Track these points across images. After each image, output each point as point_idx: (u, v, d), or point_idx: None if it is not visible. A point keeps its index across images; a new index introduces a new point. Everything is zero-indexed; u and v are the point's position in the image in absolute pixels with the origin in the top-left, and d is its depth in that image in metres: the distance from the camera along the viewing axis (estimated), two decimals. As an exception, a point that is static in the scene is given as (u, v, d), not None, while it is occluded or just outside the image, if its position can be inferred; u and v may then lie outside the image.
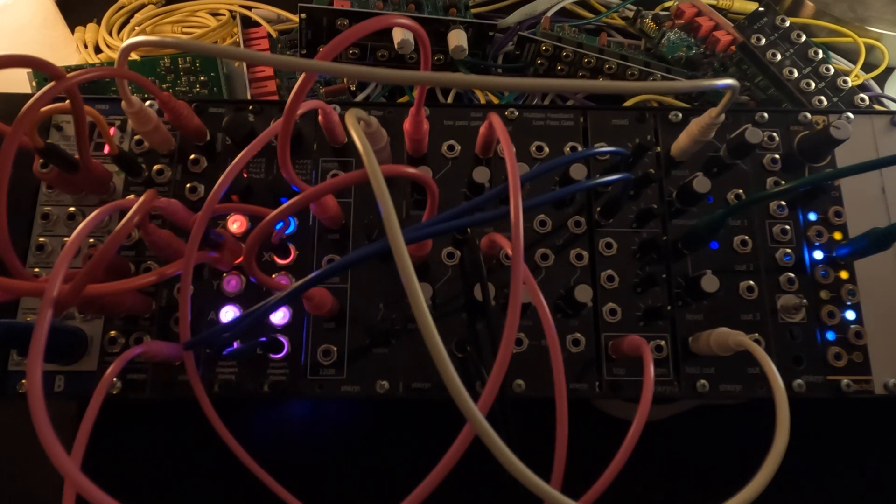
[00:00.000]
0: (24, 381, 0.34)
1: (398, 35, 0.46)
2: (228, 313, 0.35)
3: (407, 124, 0.35)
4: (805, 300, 0.36)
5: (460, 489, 0.23)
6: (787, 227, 0.37)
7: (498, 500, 0.29)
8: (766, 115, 0.40)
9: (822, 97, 0.48)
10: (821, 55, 0.49)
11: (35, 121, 0.30)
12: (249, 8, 0.57)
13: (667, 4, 0.57)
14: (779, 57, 0.49)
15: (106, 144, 0.37)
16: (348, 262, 0.25)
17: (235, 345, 0.34)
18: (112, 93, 0.48)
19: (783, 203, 0.38)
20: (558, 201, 0.38)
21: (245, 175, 0.38)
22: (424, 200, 0.34)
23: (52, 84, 0.26)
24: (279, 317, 0.35)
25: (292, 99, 0.25)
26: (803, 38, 0.50)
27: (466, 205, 0.27)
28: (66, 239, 0.36)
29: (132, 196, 0.37)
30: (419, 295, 0.19)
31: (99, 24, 0.57)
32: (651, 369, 0.28)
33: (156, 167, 0.37)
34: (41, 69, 0.26)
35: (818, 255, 0.37)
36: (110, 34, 0.57)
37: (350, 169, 0.38)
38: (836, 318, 0.36)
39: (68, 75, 0.27)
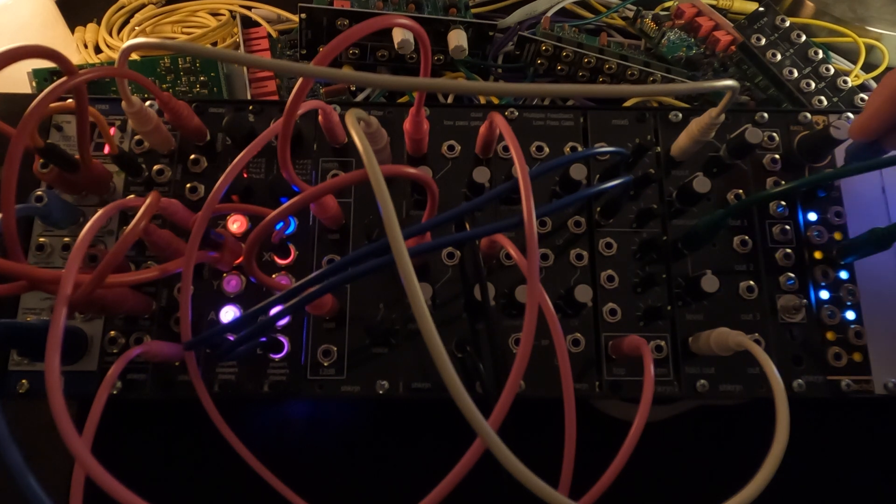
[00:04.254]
0: (24, 380, 0.34)
1: (398, 35, 0.46)
2: (228, 313, 0.35)
3: (407, 124, 0.35)
4: (805, 300, 0.36)
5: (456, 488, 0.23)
6: (787, 227, 0.37)
7: (490, 491, 0.29)
8: (766, 115, 0.40)
9: (822, 97, 0.48)
10: (821, 55, 0.49)
11: (41, 117, 0.30)
12: (249, 8, 0.57)
13: (667, 4, 0.57)
14: (779, 57, 0.49)
15: (106, 144, 0.37)
16: (357, 274, 0.25)
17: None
18: (112, 93, 0.48)
19: (783, 203, 0.38)
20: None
21: (245, 175, 0.38)
22: (424, 200, 0.34)
23: (64, 79, 0.26)
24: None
25: (292, 100, 0.25)
26: (803, 38, 0.50)
27: (466, 205, 0.27)
28: (65, 239, 0.36)
29: (132, 196, 0.37)
30: (419, 295, 0.19)
31: (99, 24, 0.57)
32: (651, 369, 0.28)
33: (156, 167, 0.37)
34: (57, 62, 0.26)
35: (818, 255, 0.37)
36: (110, 34, 0.57)
37: (350, 169, 0.38)
38: (836, 317, 0.36)
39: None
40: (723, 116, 0.34)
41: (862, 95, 0.49)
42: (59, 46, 0.54)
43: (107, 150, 0.37)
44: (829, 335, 0.36)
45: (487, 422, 0.19)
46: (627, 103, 0.45)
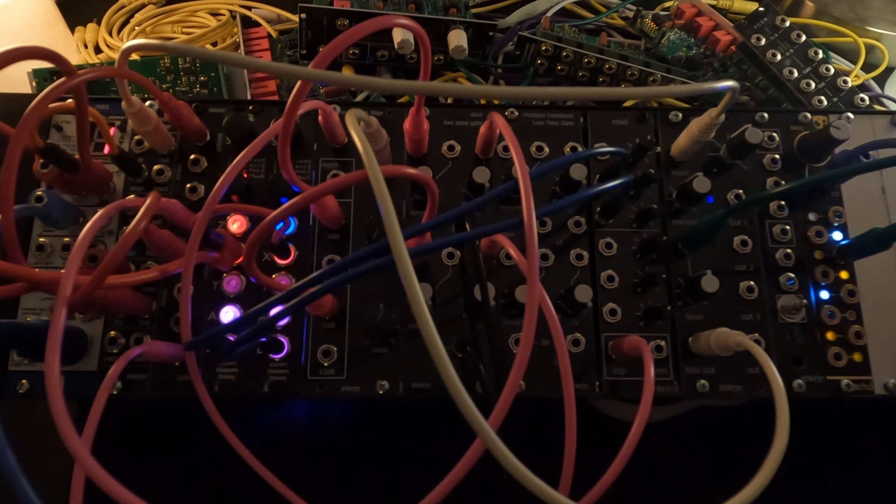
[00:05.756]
0: (24, 380, 0.34)
1: (398, 35, 0.46)
2: (228, 313, 0.35)
3: (407, 124, 0.35)
4: (805, 300, 0.36)
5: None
6: (787, 227, 0.37)
7: (490, 491, 0.29)
8: (766, 115, 0.40)
9: (822, 97, 0.48)
10: (821, 55, 0.49)
11: (40, 118, 0.30)
12: (249, 8, 0.57)
13: (667, 4, 0.57)
14: (779, 57, 0.49)
15: (106, 144, 0.37)
16: (357, 275, 0.25)
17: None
18: (112, 93, 0.48)
19: (783, 203, 0.38)
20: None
21: (245, 175, 0.38)
22: (424, 200, 0.34)
23: (62, 80, 0.26)
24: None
25: (292, 101, 0.25)
26: (803, 38, 0.50)
27: (467, 205, 0.27)
28: (65, 239, 0.36)
29: (132, 196, 0.37)
30: (419, 295, 0.19)
31: (99, 24, 0.57)
32: (651, 369, 0.28)
33: (156, 167, 0.37)
34: (56, 63, 0.26)
35: (818, 255, 0.37)
36: (110, 34, 0.57)
37: (350, 169, 0.38)
38: (836, 317, 0.36)
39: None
40: (723, 116, 0.34)
41: (862, 95, 0.49)
42: (59, 46, 0.54)
43: (107, 150, 0.37)
44: (829, 335, 0.36)
45: (487, 422, 0.19)
46: (627, 103, 0.45)
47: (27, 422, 0.40)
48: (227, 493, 0.39)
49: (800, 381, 0.35)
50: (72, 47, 0.56)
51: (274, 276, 0.36)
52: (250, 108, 0.39)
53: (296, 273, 0.36)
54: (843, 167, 0.31)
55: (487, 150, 0.37)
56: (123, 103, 0.33)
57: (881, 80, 0.56)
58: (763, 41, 0.49)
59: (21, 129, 0.25)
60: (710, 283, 0.33)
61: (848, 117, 0.40)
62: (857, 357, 0.36)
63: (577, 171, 0.34)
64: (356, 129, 0.23)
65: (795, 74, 0.49)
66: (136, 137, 0.38)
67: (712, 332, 0.33)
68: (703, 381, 0.35)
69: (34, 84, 0.49)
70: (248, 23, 0.57)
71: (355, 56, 0.50)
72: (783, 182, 0.39)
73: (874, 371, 0.36)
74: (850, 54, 0.55)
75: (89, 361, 0.34)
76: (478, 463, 0.22)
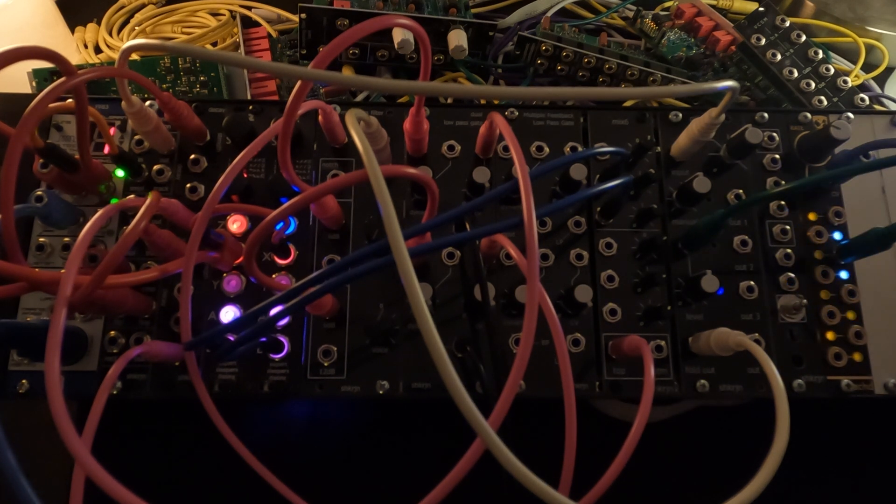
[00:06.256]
0: (24, 380, 0.34)
1: (398, 35, 0.46)
2: (228, 313, 0.35)
3: (407, 124, 0.35)
4: (805, 300, 0.36)
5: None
6: (787, 227, 0.37)
7: (490, 492, 0.29)
8: (766, 115, 0.40)
9: (822, 97, 0.48)
10: (821, 55, 0.49)
11: (40, 118, 0.30)
12: (249, 8, 0.57)
13: (667, 4, 0.57)
14: (779, 57, 0.49)
15: (106, 144, 0.37)
16: (357, 275, 0.25)
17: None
18: (112, 93, 0.48)
19: (783, 203, 0.38)
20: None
21: (245, 175, 0.38)
22: (424, 200, 0.34)
23: (62, 80, 0.26)
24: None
25: (292, 101, 0.25)
26: (803, 38, 0.50)
27: (467, 205, 0.27)
28: (65, 239, 0.36)
29: (132, 196, 0.37)
30: (419, 295, 0.19)
31: (99, 24, 0.57)
32: (651, 369, 0.28)
33: (156, 167, 0.37)
34: (56, 63, 0.26)
35: (818, 255, 0.37)
36: (110, 34, 0.57)
37: (350, 169, 0.38)
38: (836, 317, 0.36)
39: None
40: (723, 116, 0.34)
41: (862, 95, 0.49)
42: (59, 46, 0.54)
43: (107, 150, 0.37)
44: (829, 335, 0.36)
45: (487, 422, 0.19)
46: (627, 103, 0.45)
47: (27, 422, 0.40)
48: (227, 493, 0.39)
49: (800, 381, 0.35)
50: (72, 47, 0.56)
51: (274, 276, 0.36)
52: (250, 108, 0.39)
53: (296, 273, 0.36)
54: (843, 167, 0.31)
55: (487, 150, 0.37)
56: (123, 103, 0.33)
57: (881, 80, 0.56)
58: (763, 41, 0.49)
59: (21, 129, 0.25)
60: (710, 283, 0.33)
61: (848, 117, 0.40)
62: (857, 357, 0.36)
63: (577, 171, 0.34)
64: (356, 129, 0.23)
65: (795, 74, 0.49)
66: (136, 137, 0.38)
67: (712, 332, 0.33)
68: (703, 381, 0.35)
69: (34, 84, 0.49)
70: (248, 23, 0.57)
71: (355, 56, 0.50)
72: (783, 182, 0.39)
73: (874, 371, 0.36)
74: (850, 54, 0.55)
75: (89, 361, 0.34)
76: (478, 463, 0.22)
